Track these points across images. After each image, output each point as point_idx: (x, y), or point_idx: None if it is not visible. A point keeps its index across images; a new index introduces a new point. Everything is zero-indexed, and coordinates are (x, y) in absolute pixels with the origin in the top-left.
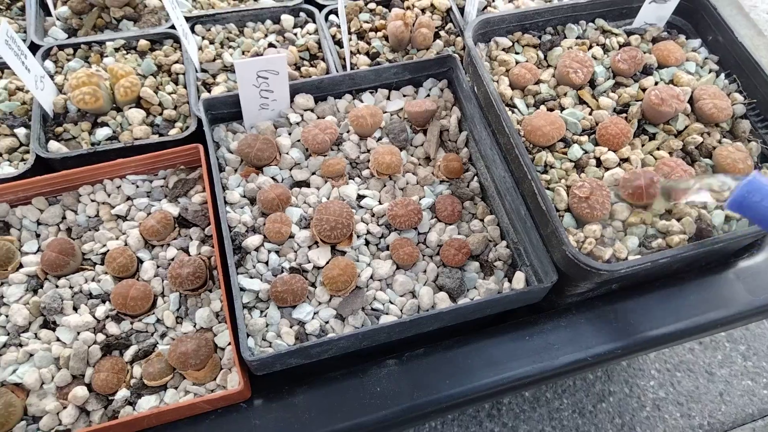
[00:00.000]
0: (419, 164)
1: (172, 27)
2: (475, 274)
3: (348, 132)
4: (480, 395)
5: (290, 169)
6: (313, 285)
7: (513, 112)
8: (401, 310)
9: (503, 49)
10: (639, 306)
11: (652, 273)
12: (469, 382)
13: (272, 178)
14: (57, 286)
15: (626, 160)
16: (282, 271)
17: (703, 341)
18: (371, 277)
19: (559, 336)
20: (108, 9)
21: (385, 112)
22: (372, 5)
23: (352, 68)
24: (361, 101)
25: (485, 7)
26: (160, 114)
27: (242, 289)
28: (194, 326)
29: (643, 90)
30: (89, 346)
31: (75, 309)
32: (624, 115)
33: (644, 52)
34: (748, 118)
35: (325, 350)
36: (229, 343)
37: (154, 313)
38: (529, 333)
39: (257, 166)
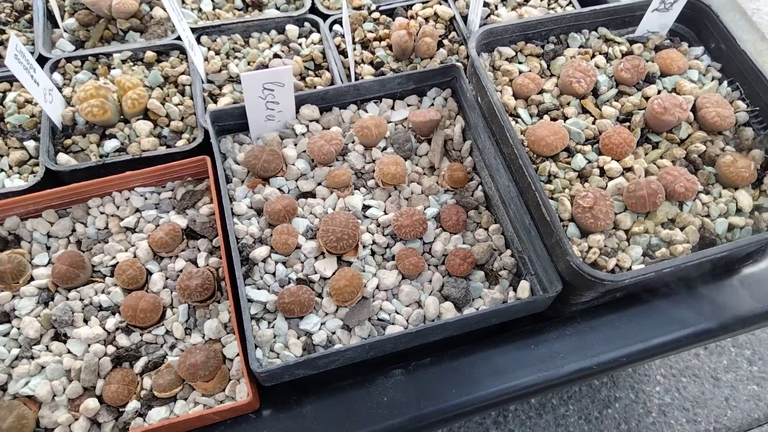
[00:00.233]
0: (424, 173)
1: (179, 38)
2: (480, 283)
3: (353, 142)
4: (486, 404)
5: (296, 180)
6: (319, 296)
7: (516, 121)
8: (407, 320)
9: (506, 59)
10: (643, 313)
11: (656, 281)
12: (475, 391)
13: (279, 189)
14: (68, 299)
15: (629, 169)
16: (289, 282)
17: (708, 346)
18: (377, 288)
19: (564, 344)
20: (115, 20)
21: (390, 122)
22: (376, 15)
23: (356, 78)
24: (366, 111)
25: (488, 15)
26: (167, 125)
27: (250, 301)
28: (203, 337)
29: (646, 99)
30: (100, 358)
31: (85, 321)
32: (627, 124)
33: (647, 61)
34: (751, 126)
35: (333, 361)
36: (238, 354)
37: (163, 325)
38: (535, 341)
39: (264, 177)
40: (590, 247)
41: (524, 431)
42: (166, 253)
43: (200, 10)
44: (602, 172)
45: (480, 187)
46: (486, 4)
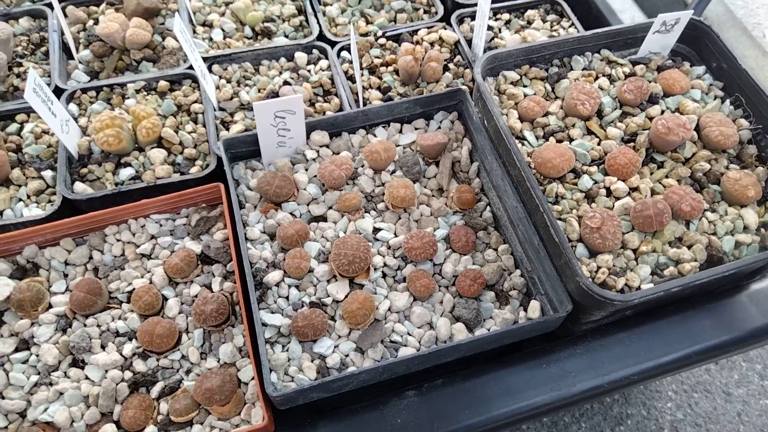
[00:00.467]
0: (433, 196)
1: (191, 67)
2: (491, 303)
3: (363, 166)
4: (498, 424)
5: (308, 205)
6: (332, 319)
7: (523, 144)
8: (419, 342)
9: (511, 83)
10: (654, 331)
11: (665, 299)
12: (488, 411)
13: (291, 213)
14: (85, 325)
15: (635, 189)
16: (302, 306)
17: (719, 361)
18: (389, 310)
19: (576, 363)
20: (128, 51)
21: (398, 145)
22: (382, 41)
23: (364, 103)
24: (375, 136)
25: (492, 39)
26: (181, 153)
27: (264, 325)
28: (218, 362)
29: (650, 119)
30: (117, 384)
31: (103, 347)
32: (632, 144)
33: (650, 82)
34: (755, 143)
35: (346, 384)
36: (253, 378)
37: (179, 350)
38: (546, 361)
39: (276, 202)
40: (599, 267)
41: None
42: (182, 278)
43: (211, 39)
44: (609, 193)
45: (488, 208)
46: (490, 28)
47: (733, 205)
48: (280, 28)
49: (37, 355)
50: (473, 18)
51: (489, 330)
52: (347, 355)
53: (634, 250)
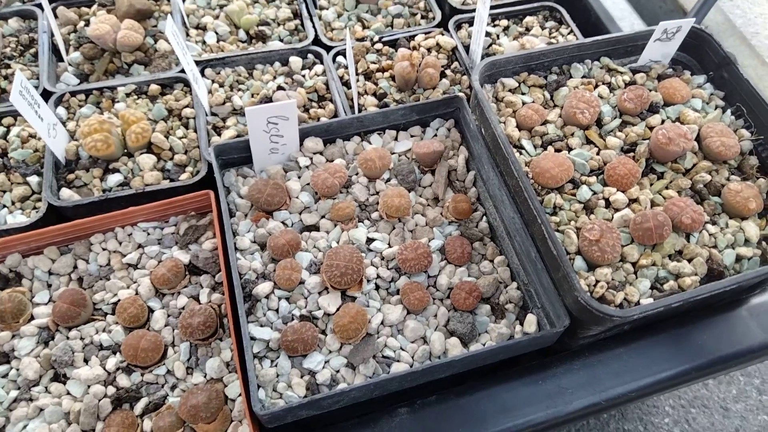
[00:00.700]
0: (428, 205)
1: (183, 71)
2: (487, 317)
3: (357, 174)
4: None
5: (300, 213)
6: (323, 332)
7: (521, 153)
8: (413, 357)
9: (509, 90)
10: (652, 346)
11: (664, 313)
12: (482, 429)
13: (282, 222)
14: (68, 338)
15: (635, 200)
16: (292, 319)
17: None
18: (382, 323)
19: (573, 379)
20: (119, 54)
21: (393, 153)
22: (378, 46)
23: (359, 109)
24: (370, 143)
25: (490, 45)
26: (171, 159)
27: (253, 339)
28: (205, 377)
29: (650, 128)
30: (99, 400)
31: (86, 361)
32: (632, 154)
33: (650, 90)
34: (756, 154)
35: (336, 401)
36: (240, 395)
37: (164, 364)
38: (542, 377)
39: (267, 210)
40: (597, 281)
41: None
42: (169, 289)
43: (204, 42)
44: (608, 204)
45: (485, 218)
46: (488, 34)
47: (734, 218)
48: (275, 32)
49: (18, 369)
50: (471, 24)
51: (484, 345)
52: (338, 371)
53: (634, 264)
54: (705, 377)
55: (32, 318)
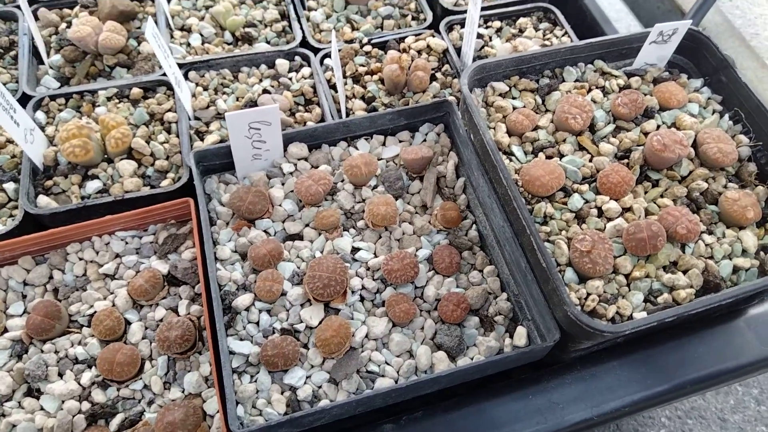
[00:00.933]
0: (416, 212)
1: (166, 74)
2: (475, 330)
3: (342, 181)
4: None
5: (283, 222)
6: (305, 346)
7: (510, 159)
8: (398, 372)
9: (500, 94)
10: (646, 359)
11: (659, 326)
12: None
13: (265, 231)
14: (42, 351)
15: (629, 209)
16: (273, 332)
17: None
18: (366, 336)
19: (564, 394)
20: (101, 56)
21: (381, 159)
22: (367, 48)
23: (347, 113)
24: (356, 148)
25: (482, 47)
26: (152, 164)
27: (232, 353)
28: (182, 392)
29: (645, 134)
30: (74, 416)
31: (60, 375)
32: (625, 161)
33: (645, 94)
34: (755, 161)
35: (318, 419)
36: (218, 411)
37: (141, 379)
38: (533, 392)
39: (249, 219)
40: (589, 294)
41: None
42: (146, 301)
43: (189, 44)
44: (600, 213)
45: (474, 226)
46: (480, 36)
47: (731, 227)
48: (261, 34)
49: None
50: (463, 25)
51: (472, 359)
52: (320, 387)
53: (627, 275)
54: (702, 391)
55: (5, 330)
